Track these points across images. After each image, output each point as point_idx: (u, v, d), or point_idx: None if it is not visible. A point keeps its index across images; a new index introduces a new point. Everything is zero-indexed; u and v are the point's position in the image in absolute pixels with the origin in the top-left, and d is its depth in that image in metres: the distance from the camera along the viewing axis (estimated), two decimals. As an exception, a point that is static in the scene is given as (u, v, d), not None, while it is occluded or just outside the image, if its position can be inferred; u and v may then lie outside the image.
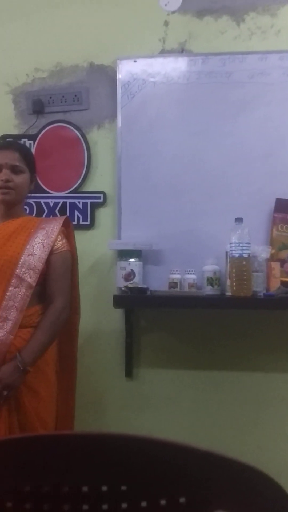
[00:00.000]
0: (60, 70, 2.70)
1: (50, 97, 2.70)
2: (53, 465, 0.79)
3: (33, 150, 2.63)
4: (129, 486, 0.77)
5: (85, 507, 0.78)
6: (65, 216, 2.18)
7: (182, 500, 0.76)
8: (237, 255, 2.25)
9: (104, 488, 0.77)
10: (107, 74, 2.66)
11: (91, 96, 2.68)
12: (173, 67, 2.58)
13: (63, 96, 2.69)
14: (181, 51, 2.62)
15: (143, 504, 0.77)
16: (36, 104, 2.68)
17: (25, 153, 2.08)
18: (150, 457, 0.77)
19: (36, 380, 1.88)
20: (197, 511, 0.77)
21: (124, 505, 0.77)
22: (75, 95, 2.68)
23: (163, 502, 0.77)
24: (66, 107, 2.69)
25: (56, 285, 1.98)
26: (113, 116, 2.63)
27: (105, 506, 0.78)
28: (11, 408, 1.83)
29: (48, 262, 1.96)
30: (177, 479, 0.77)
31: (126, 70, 2.60)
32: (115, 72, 2.61)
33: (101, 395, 2.59)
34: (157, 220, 2.55)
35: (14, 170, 2.00)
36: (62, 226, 2.07)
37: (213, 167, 2.54)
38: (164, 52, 2.63)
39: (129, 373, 2.57)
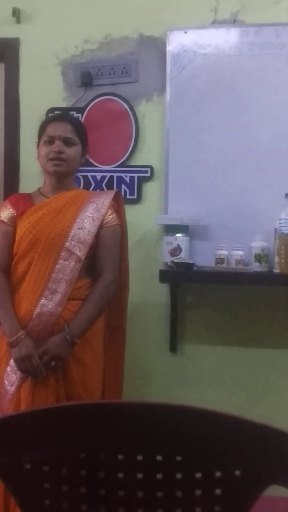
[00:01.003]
0: (110, 41, 2.67)
1: (99, 69, 2.67)
2: (109, 434, 0.79)
3: (81, 123, 2.63)
4: (184, 457, 0.77)
5: (139, 475, 0.79)
6: (115, 190, 2.19)
7: (237, 473, 0.76)
8: (286, 232, 2.21)
9: (159, 458, 0.78)
10: (157, 46, 2.61)
11: (140, 69, 2.64)
12: (225, 38, 2.51)
13: (112, 69, 2.66)
14: (233, 22, 2.55)
15: (198, 475, 0.77)
16: (85, 76, 2.66)
17: (77, 125, 2.09)
18: (206, 429, 0.76)
19: (84, 351, 1.92)
20: (252, 485, 0.77)
21: (178, 476, 0.78)
22: (124, 67, 2.65)
23: (218, 474, 0.77)
24: (115, 80, 2.66)
25: (105, 258, 1.99)
26: (162, 89, 2.59)
27: (159, 476, 0.78)
28: (58, 378, 1.87)
29: (97, 236, 1.98)
30: (232, 452, 0.76)
31: (176, 41, 2.55)
32: (165, 43, 2.56)
33: (146, 369, 2.61)
34: (205, 195, 2.52)
35: (67, 142, 2.01)
36: (112, 200, 2.07)
37: (263, 142, 2.48)
38: (215, 23, 2.56)
39: (173, 348, 2.58)
